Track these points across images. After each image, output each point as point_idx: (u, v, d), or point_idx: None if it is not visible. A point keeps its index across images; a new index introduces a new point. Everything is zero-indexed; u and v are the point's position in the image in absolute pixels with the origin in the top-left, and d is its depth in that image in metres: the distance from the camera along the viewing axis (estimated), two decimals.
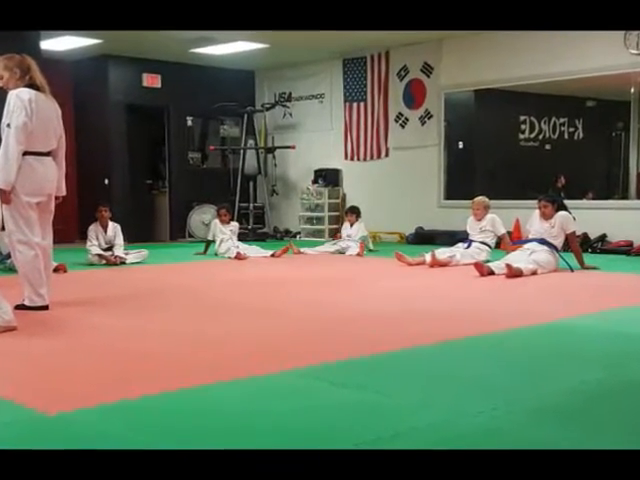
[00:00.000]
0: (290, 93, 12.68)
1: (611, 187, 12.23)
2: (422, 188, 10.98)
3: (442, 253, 7.64)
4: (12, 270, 5.86)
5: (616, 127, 12.45)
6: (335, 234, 10.89)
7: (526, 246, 7.11)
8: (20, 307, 4.75)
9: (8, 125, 4.69)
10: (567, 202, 7.47)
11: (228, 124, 13.04)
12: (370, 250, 9.39)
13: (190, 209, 12.00)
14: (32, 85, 4.79)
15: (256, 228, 12.12)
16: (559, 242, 7.09)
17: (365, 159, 11.77)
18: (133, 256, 8.26)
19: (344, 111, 11.98)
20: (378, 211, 11.09)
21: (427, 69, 10.86)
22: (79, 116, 11.86)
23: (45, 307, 4.85)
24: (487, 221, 7.90)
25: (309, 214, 12.17)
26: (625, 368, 3.36)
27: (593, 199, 10.31)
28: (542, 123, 12.36)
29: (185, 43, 10.59)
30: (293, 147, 12.28)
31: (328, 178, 12.04)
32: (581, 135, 12.80)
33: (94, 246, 8.09)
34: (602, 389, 3.00)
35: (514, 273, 6.50)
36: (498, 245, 8.06)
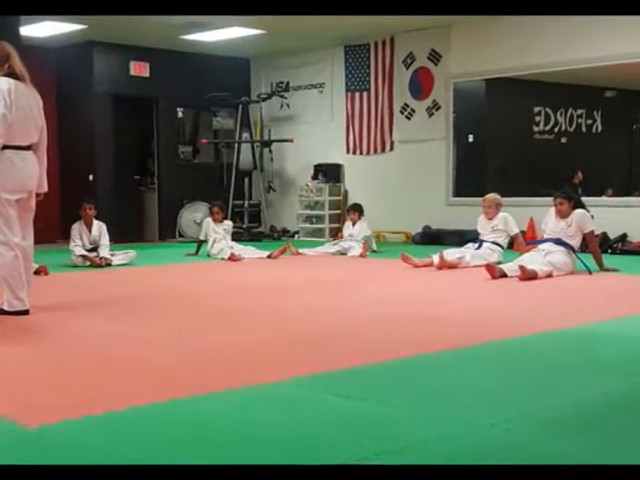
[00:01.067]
0: (288, 82, 12.68)
1: (632, 183, 12.24)
2: (429, 184, 10.98)
3: (451, 254, 7.64)
4: None
5: (637, 119, 12.47)
6: (336, 234, 10.90)
7: (541, 247, 7.11)
8: None
9: None
10: (585, 199, 7.48)
11: (221, 116, 13.04)
12: (374, 251, 9.40)
13: (181, 207, 12.00)
14: (11, 74, 4.78)
15: (251, 227, 12.13)
16: (576, 242, 7.09)
17: (368, 153, 11.77)
18: (120, 257, 8.25)
19: (346, 102, 11.98)
20: (382, 209, 11.09)
21: (435, 57, 10.86)
22: (62, 107, 11.86)
23: (25, 312, 4.84)
24: (499, 220, 7.90)
25: (308, 212, 12.18)
26: None
27: (613, 196, 10.32)
28: (558, 115, 12.37)
29: (175, 29, 10.60)
30: (291, 140, 12.28)
31: (329, 174, 12.04)
32: (600, 128, 12.81)
33: (78, 246, 8.08)
34: (623, 399, 2.99)
35: (528, 275, 6.50)
36: (511, 246, 8.06)
